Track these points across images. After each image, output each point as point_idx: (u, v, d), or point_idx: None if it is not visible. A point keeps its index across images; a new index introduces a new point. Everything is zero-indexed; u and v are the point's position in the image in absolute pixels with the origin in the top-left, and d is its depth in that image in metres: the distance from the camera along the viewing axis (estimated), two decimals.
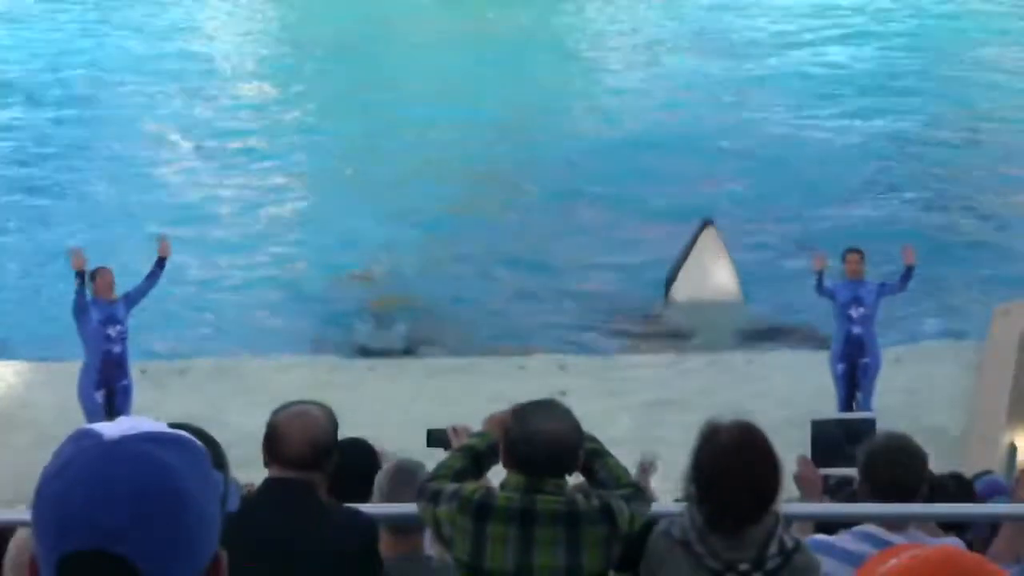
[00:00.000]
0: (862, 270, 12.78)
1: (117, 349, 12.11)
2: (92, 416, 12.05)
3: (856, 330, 12.67)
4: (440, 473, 4.42)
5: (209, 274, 17.82)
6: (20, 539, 4.52)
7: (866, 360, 12.68)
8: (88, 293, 12.03)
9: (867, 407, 12.31)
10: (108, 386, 12.16)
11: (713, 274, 16.66)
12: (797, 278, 15.83)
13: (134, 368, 12.56)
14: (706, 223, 16.71)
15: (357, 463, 5.41)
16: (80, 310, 11.99)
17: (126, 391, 12.26)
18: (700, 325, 16.32)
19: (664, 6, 31.04)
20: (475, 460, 4.47)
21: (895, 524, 4.64)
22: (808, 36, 28.42)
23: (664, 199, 19.75)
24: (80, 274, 12.02)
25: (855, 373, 12.71)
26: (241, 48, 27.57)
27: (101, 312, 12.00)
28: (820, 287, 12.97)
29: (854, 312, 12.65)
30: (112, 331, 12.04)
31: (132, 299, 12.26)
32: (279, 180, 21.38)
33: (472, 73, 25.58)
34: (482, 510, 4.16)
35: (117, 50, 26.47)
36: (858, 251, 12.96)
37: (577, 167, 21.38)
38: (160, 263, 12.41)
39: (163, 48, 26.34)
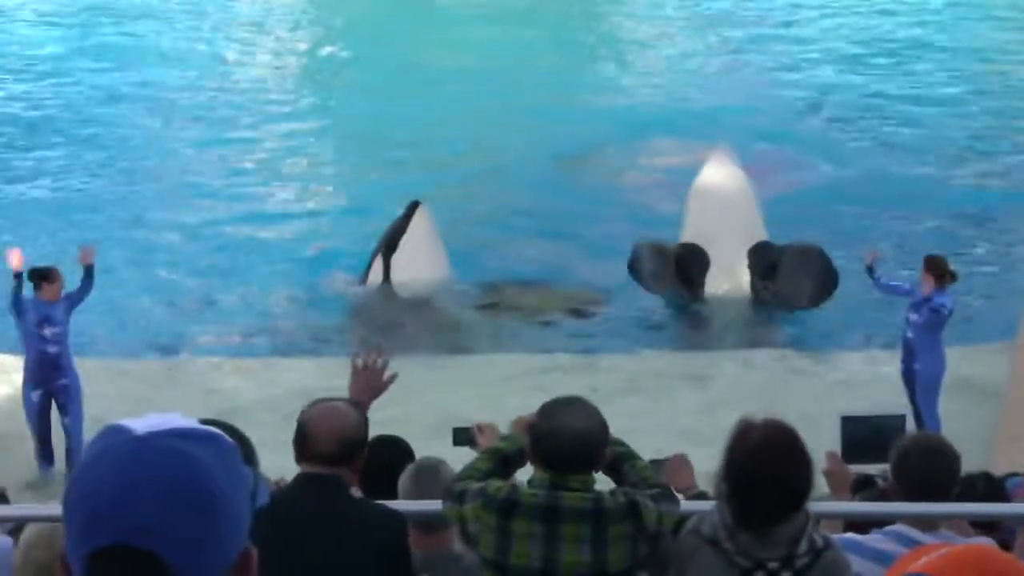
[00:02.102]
0: (929, 280, 12.55)
1: (53, 349, 12.12)
2: (28, 414, 12.27)
3: (909, 334, 12.61)
4: (466, 475, 4.43)
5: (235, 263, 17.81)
6: (28, 537, 4.57)
7: (917, 367, 12.57)
8: (29, 293, 12.07)
9: (925, 418, 12.12)
10: (45, 386, 12.20)
11: (428, 256, 16.41)
12: None
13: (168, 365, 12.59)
14: (416, 204, 16.44)
15: (393, 461, 5.43)
16: (17, 310, 12.08)
17: (66, 389, 12.21)
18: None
19: None
20: (502, 463, 4.47)
21: (926, 524, 4.62)
22: None
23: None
24: (18, 274, 12.14)
25: (912, 377, 12.62)
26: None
27: (38, 313, 12.06)
28: (876, 281, 13.13)
29: (911, 316, 12.59)
30: (48, 332, 12.11)
31: (73, 302, 12.29)
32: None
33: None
34: (507, 507, 4.16)
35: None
36: (932, 258, 12.79)
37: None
38: (88, 271, 12.45)
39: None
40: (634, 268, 16.49)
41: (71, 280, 12.43)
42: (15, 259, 12.25)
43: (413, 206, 16.47)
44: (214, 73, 25.86)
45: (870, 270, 13.16)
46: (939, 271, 12.40)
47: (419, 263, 16.30)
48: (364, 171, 20.97)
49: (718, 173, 16.98)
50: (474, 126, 22.30)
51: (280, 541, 4.27)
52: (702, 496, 5.23)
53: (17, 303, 12.04)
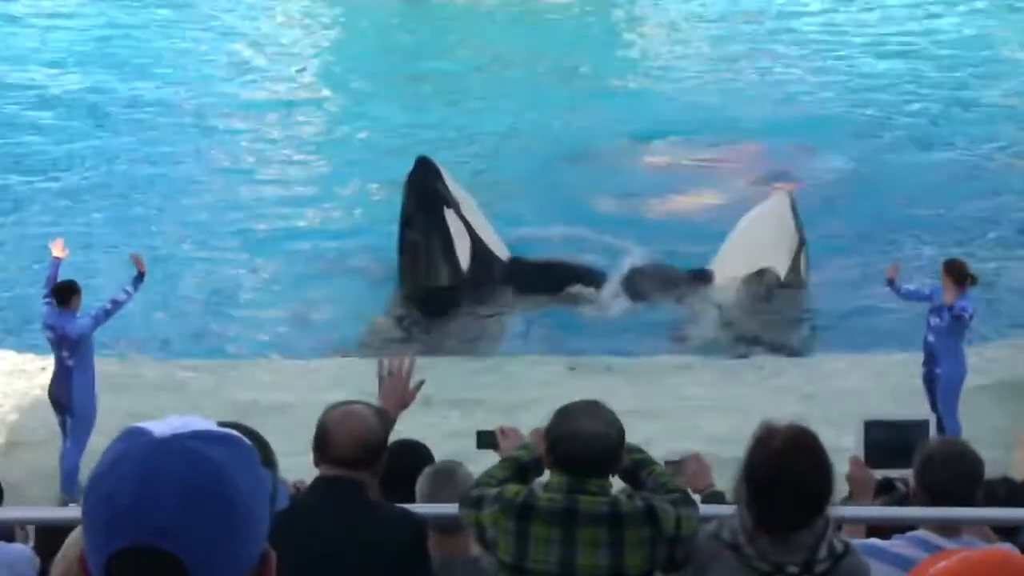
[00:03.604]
0: (952, 284, 12.49)
1: (70, 363, 12.02)
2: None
3: (930, 338, 12.57)
4: (483, 481, 4.45)
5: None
6: (73, 539, 4.57)
7: (938, 371, 12.52)
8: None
9: (946, 421, 12.07)
10: (55, 397, 12.16)
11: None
12: None
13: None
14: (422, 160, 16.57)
15: (412, 464, 5.42)
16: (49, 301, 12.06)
17: (71, 409, 12.06)
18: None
19: None
20: (519, 471, 4.48)
21: (949, 529, 4.60)
22: None
23: None
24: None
25: (934, 381, 12.58)
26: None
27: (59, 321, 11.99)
28: (897, 290, 13.14)
29: (932, 320, 12.54)
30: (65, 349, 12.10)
31: (100, 317, 12.09)
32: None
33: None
34: (524, 511, 4.16)
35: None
36: (949, 265, 12.72)
37: None
38: (139, 279, 12.38)
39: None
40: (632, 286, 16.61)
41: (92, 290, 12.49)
42: (58, 248, 12.44)
43: (418, 162, 16.45)
44: (226, 79, 25.94)
45: (890, 282, 13.19)
46: (959, 275, 12.36)
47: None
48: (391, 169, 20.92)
49: (773, 211, 16.97)
50: (484, 125, 22.36)
51: (299, 544, 4.28)
52: (719, 495, 5.23)
53: (50, 289, 12.07)
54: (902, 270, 13.65)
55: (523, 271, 16.70)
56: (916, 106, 23.34)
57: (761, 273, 16.62)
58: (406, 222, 16.42)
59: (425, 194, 16.34)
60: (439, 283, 16.32)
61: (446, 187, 16.49)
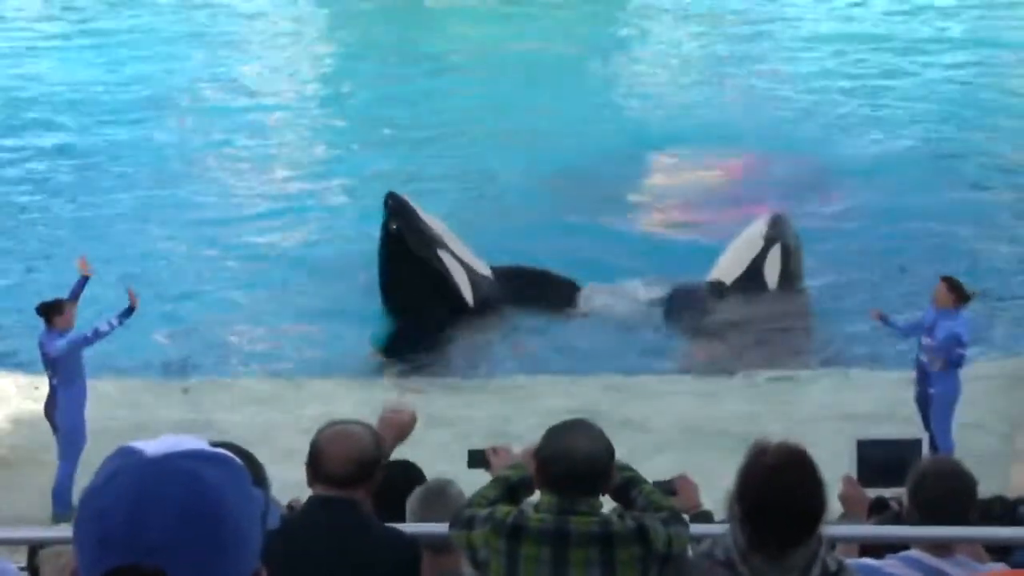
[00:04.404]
0: (947, 299, 12.51)
1: (54, 381, 12.08)
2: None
3: (922, 357, 12.58)
4: (474, 502, 4.44)
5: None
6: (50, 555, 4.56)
7: (931, 391, 12.52)
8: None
9: (939, 440, 12.09)
10: (49, 415, 12.18)
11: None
12: None
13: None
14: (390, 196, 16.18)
15: (404, 483, 5.41)
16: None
17: (60, 427, 12.10)
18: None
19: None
20: (509, 491, 4.48)
21: (942, 549, 4.59)
22: None
23: None
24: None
25: (927, 401, 12.57)
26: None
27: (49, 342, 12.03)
28: (894, 326, 13.23)
29: (924, 340, 12.55)
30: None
31: (83, 339, 12.06)
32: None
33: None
34: (515, 531, 4.15)
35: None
36: (944, 280, 12.76)
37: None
38: (128, 312, 12.30)
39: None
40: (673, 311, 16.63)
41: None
42: (83, 266, 12.51)
43: (386, 199, 16.14)
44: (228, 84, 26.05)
45: (883, 319, 13.20)
46: (957, 292, 12.42)
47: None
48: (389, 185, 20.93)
49: (761, 231, 16.94)
50: (475, 143, 22.43)
51: (292, 563, 4.27)
52: (707, 515, 5.23)
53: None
54: (892, 304, 13.57)
55: (505, 277, 16.79)
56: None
57: (710, 284, 16.76)
58: (398, 271, 16.12)
59: (413, 240, 16.03)
60: (452, 328, 16.26)
61: (425, 223, 16.22)
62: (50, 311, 12.01)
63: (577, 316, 16.58)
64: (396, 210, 16.01)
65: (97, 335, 12.08)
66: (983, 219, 19.23)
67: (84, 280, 12.47)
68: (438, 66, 27.00)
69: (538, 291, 16.58)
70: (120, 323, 12.22)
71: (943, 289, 12.49)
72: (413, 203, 16.33)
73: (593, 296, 16.78)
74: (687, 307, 16.56)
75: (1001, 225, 19.23)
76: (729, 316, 16.46)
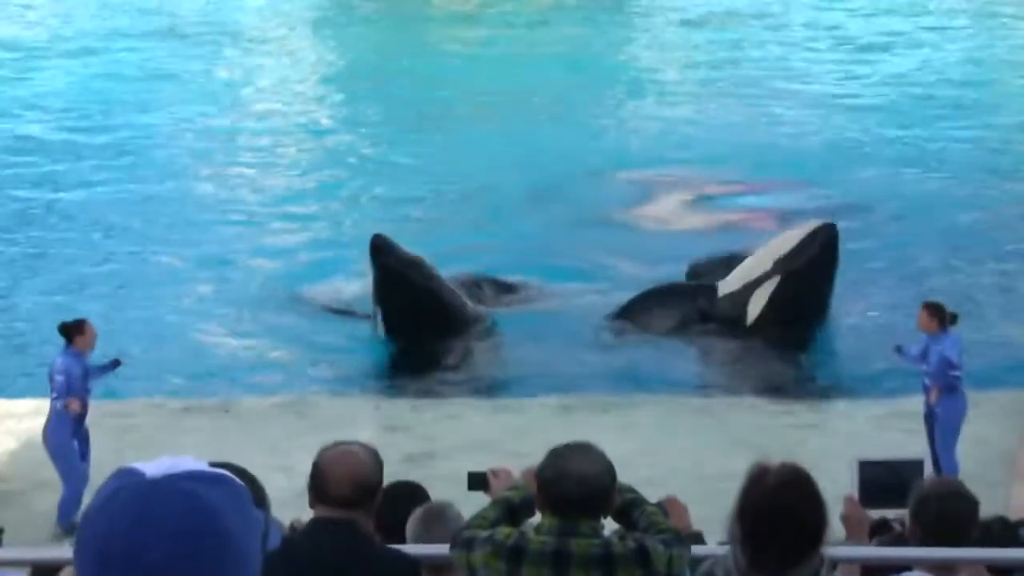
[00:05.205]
0: (931, 324, 12.57)
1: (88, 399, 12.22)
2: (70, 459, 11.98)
3: (926, 381, 12.64)
4: (475, 523, 4.43)
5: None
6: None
7: (937, 409, 12.54)
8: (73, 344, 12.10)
9: (943, 460, 12.09)
10: (78, 434, 12.16)
11: None
12: None
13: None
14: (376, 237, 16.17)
15: (408, 505, 5.41)
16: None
17: (87, 437, 12.21)
18: None
19: None
20: (510, 512, 4.47)
21: (944, 569, 4.59)
22: None
23: None
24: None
25: (933, 420, 12.60)
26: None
27: (82, 365, 12.09)
28: (906, 356, 13.13)
29: (922, 367, 12.64)
30: (89, 384, 12.23)
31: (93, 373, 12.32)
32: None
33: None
34: (515, 553, 4.15)
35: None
36: (925, 305, 12.83)
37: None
38: (114, 364, 12.56)
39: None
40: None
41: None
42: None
43: (373, 240, 16.12)
44: (234, 104, 26.13)
45: (898, 349, 13.17)
46: (939, 316, 12.58)
47: None
48: (393, 207, 20.89)
49: (780, 251, 16.44)
50: (478, 158, 22.49)
51: None
52: (698, 537, 5.22)
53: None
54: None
55: (479, 284, 17.07)
56: None
57: (700, 286, 16.82)
58: (402, 302, 16.09)
59: (411, 272, 16.03)
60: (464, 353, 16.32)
61: (410, 259, 16.17)
62: (70, 331, 12.09)
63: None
64: (384, 248, 16.06)
65: (87, 376, 12.19)
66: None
67: (114, 365, 12.57)
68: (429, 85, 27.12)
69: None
70: (103, 375, 12.53)
71: (924, 315, 12.69)
72: (391, 240, 16.29)
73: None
74: (664, 305, 16.51)
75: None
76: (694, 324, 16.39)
